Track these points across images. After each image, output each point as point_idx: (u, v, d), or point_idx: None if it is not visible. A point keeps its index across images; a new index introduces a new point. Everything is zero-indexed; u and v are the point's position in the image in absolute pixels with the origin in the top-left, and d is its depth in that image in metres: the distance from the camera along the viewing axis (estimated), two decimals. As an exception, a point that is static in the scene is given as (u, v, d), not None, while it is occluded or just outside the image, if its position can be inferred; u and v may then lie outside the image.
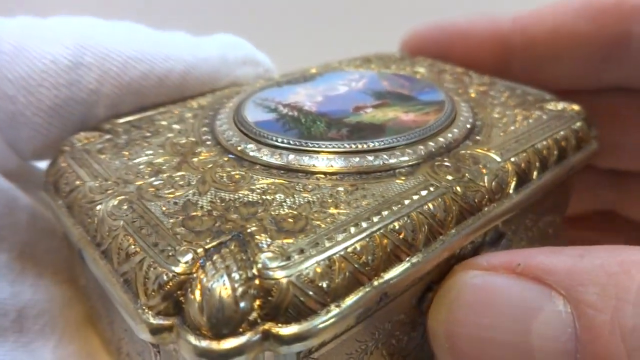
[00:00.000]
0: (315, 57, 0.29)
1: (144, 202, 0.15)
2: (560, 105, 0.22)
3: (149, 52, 0.21)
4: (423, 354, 0.18)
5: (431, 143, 0.18)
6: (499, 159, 0.18)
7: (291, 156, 0.17)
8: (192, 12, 0.51)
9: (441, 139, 0.19)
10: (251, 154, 0.18)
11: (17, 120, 0.19)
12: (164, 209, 0.15)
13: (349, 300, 0.13)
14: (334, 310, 0.13)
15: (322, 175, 0.17)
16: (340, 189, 0.16)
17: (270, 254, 0.13)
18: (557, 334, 0.14)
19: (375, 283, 0.14)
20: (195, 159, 0.18)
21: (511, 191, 0.18)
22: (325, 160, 0.17)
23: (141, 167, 0.17)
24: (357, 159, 0.17)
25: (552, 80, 0.26)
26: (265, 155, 0.17)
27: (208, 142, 0.19)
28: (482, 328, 0.15)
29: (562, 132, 0.20)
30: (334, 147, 0.17)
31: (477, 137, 0.19)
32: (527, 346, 0.14)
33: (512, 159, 0.18)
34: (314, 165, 0.17)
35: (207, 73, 0.23)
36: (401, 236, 0.15)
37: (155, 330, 0.13)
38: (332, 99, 0.21)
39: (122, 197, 0.16)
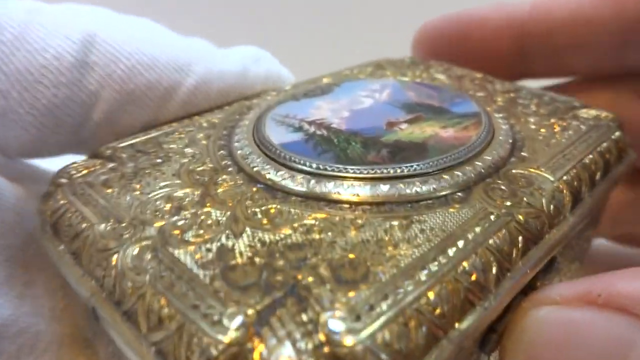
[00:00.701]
0: (321, 60, 0.27)
1: (170, 249, 0.13)
2: (593, 113, 0.21)
3: (161, 59, 0.18)
4: None
5: (479, 163, 0.17)
6: (552, 179, 0.17)
7: (330, 184, 0.15)
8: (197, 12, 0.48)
9: (488, 158, 0.17)
10: (283, 182, 0.15)
11: (6, 116, 0.17)
12: (196, 257, 0.13)
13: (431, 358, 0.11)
14: None
15: (368, 207, 0.15)
16: (395, 223, 0.14)
17: (337, 313, 0.11)
18: None
19: (452, 336, 0.12)
20: (219, 190, 0.15)
21: (567, 213, 0.16)
22: (369, 189, 0.15)
23: (158, 202, 0.15)
24: (404, 186, 0.15)
25: (573, 68, 0.25)
26: (301, 185, 0.15)
27: (229, 169, 0.17)
28: None
29: (604, 144, 0.19)
30: (376, 173, 0.16)
31: (523, 154, 0.18)
32: None
33: (565, 178, 0.17)
34: (357, 195, 0.15)
35: (220, 90, 0.20)
36: (473, 278, 0.13)
37: None
38: (359, 113, 0.19)
39: (143, 243, 0.13)
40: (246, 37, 0.24)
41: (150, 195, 0.15)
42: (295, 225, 0.14)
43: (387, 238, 0.13)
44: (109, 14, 0.19)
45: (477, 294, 0.13)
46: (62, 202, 0.15)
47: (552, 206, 0.16)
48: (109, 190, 0.15)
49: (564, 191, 0.16)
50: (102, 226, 0.14)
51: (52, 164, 0.19)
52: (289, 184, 0.15)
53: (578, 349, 0.13)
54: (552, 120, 0.20)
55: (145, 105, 0.19)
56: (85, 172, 0.17)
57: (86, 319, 0.16)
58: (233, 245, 0.13)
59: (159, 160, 0.17)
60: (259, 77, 0.22)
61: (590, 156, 0.18)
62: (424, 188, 0.15)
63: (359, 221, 0.14)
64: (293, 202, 0.15)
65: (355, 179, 0.15)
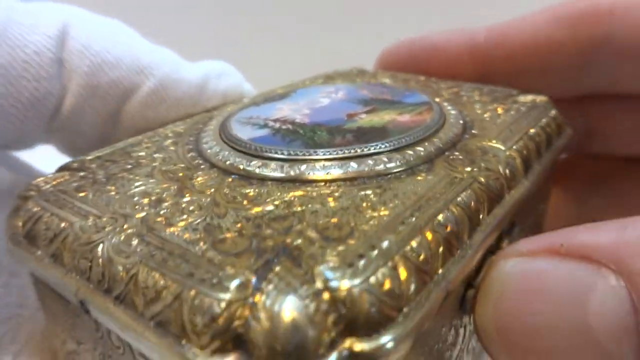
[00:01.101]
0: (279, 75, 0.28)
1: (156, 233, 0.13)
2: (529, 97, 0.23)
3: (125, 60, 0.19)
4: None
5: (436, 139, 0.18)
6: (503, 148, 0.18)
7: (303, 167, 0.16)
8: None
9: (444, 135, 0.18)
10: (257, 170, 0.16)
11: None
12: (184, 236, 0.13)
13: (422, 301, 0.12)
14: (412, 313, 0.12)
15: (342, 182, 0.15)
16: (368, 192, 0.15)
17: (331, 264, 0.11)
18: (615, 310, 0.13)
19: (437, 280, 0.13)
20: (195, 182, 0.16)
21: (522, 178, 0.18)
22: (340, 168, 0.16)
23: (136, 198, 0.15)
24: (373, 162, 0.16)
25: (534, 90, 0.25)
26: (275, 170, 0.16)
27: (202, 166, 0.17)
28: (535, 316, 0.14)
29: (544, 120, 0.21)
30: (345, 153, 0.16)
31: (474, 131, 0.19)
32: (585, 327, 0.13)
33: (514, 147, 0.18)
34: (329, 174, 0.16)
35: (176, 97, 0.21)
36: (448, 229, 0.14)
37: None
38: (320, 110, 0.20)
39: (128, 231, 0.13)
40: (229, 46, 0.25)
41: (127, 194, 0.15)
42: (277, 202, 0.14)
43: (364, 204, 0.14)
44: (82, 12, 0.20)
45: (454, 244, 0.14)
46: (34, 209, 0.15)
47: (507, 170, 0.17)
48: (83, 194, 0.15)
49: (516, 158, 0.18)
50: (82, 223, 0.14)
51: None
52: (264, 170, 0.16)
53: (542, 296, 0.14)
54: (495, 105, 0.22)
55: (106, 102, 0.20)
56: (54, 183, 0.16)
57: (68, 330, 0.16)
58: (219, 223, 0.13)
59: (129, 166, 0.17)
60: (217, 91, 0.23)
61: (533, 130, 0.20)
62: (391, 164, 0.16)
63: (336, 194, 0.15)
64: (270, 186, 0.15)
65: (327, 159, 0.16)
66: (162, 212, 0.14)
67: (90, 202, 0.15)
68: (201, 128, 0.20)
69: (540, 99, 0.23)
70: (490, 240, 0.15)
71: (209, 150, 0.18)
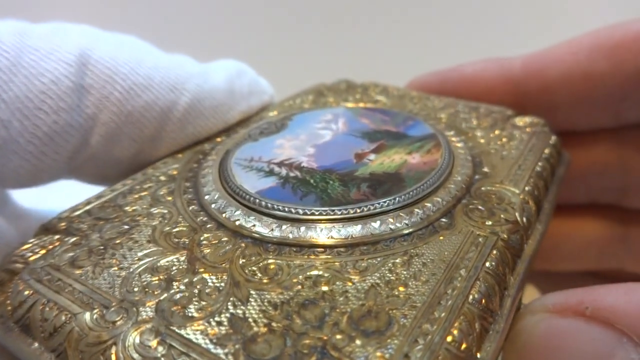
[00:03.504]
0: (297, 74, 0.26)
1: (175, 329, 0.12)
2: (527, 120, 0.23)
3: (155, 79, 0.18)
4: None
5: (451, 185, 0.17)
6: (517, 191, 0.18)
7: (320, 229, 0.15)
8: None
9: (458, 178, 0.18)
10: (272, 234, 0.15)
11: (6, 147, 0.16)
12: (210, 333, 0.12)
13: None
14: None
15: (364, 247, 0.15)
16: (397, 260, 0.14)
17: None
18: None
19: None
20: (206, 252, 0.14)
21: (536, 223, 0.17)
22: (360, 228, 0.15)
23: (143, 277, 0.14)
24: (393, 220, 0.15)
25: (571, 123, 0.24)
26: (291, 233, 0.15)
27: (208, 225, 0.16)
28: None
29: (547, 150, 0.21)
30: (364, 211, 0.15)
31: (484, 169, 0.19)
32: None
33: (526, 189, 0.18)
34: (351, 237, 0.15)
35: (212, 107, 0.20)
36: (483, 303, 0.13)
37: None
38: (324, 148, 0.19)
39: (142, 327, 0.12)
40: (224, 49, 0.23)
41: (131, 270, 0.14)
42: (300, 278, 0.13)
43: (394, 278, 0.13)
44: (97, 32, 0.18)
45: (488, 319, 0.13)
46: (26, 292, 0.13)
47: (524, 218, 0.17)
48: (81, 271, 0.14)
49: (529, 202, 0.17)
50: (87, 316, 0.12)
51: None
52: (278, 234, 0.15)
53: (564, 354, 0.14)
54: (497, 132, 0.22)
55: (143, 126, 0.18)
56: (43, 252, 0.15)
57: None
58: (244, 313, 0.12)
59: (126, 227, 0.16)
60: (243, 91, 0.22)
61: (540, 163, 0.20)
62: (412, 220, 0.15)
63: (362, 264, 0.14)
64: (288, 254, 0.14)
65: (344, 220, 0.15)
66: (176, 297, 0.13)
67: (91, 283, 0.13)
68: (197, 169, 0.19)
69: (537, 120, 0.23)
70: (516, 301, 0.15)
71: (213, 205, 0.16)
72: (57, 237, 0.15)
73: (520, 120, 0.23)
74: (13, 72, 0.15)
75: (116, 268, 0.14)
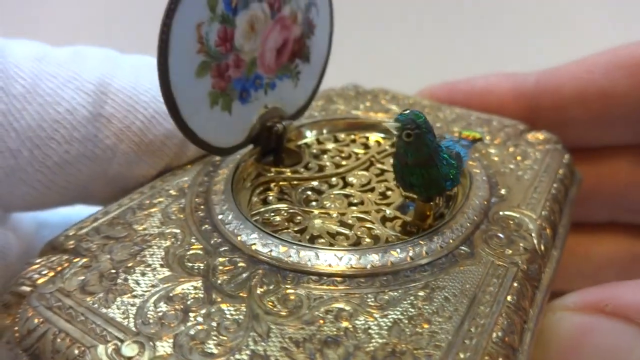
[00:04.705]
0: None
1: None
2: (540, 136, 0.23)
3: None
4: None
5: (470, 211, 0.17)
6: (534, 216, 0.17)
7: (339, 255, 0.15)
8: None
9: (476, 202, 0.17)
10: (289, 260, 0.14)
11: (14, 175, 0.15)
12: None
13: None
14: None
15: (384, 277, 0.14)
16: (420, 294, 0.14)
17: None
18: None
19: None
20: (223, 279, 0.14)
21: (552, 248, 0.17)
22: (382, 258, 0.15)
23: (158, 306, 0.13)
24: (412, 248, 0.15)
25: (585, 141, 0.23)
26: (310, 260, 0.14)
27: (222, 248, 0.15)
28: None
29: (561, 171, 0.21)
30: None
31: (501, 192, 0.19)
32: None
33: (543, 213, 0.18)
34: (371, 266, 0.14)
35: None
36: (506, 341, 0.13)
37: None
38: None
39: None
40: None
41: (145, 297, 0.13)
42: (321, 311, 0.13)
43: (417, 313, 0.13)
44: (117, 57, 0.17)
45: (510, 357, 0.13)
46: (36, 320, 0.13)
47: (542, 246, 0.16)
48: (93, 298, 0.13)
49: (546, 228, 0.17)
50: (101, 349, 0.12)
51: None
52: (295, 260, 0.14)
53: (585, 350, 0.14)
54: (511, 150, 0.21)
55: (162, 154, 0.17)
56: (51, 274, 0.14)
57: None
58: (265, 351, 0.12)
59: (137, 248, 0.15)
60: None
61: (555, 185, 0.19)
62: (431, 247, 0.15)
63: (384, 297, 0.14)
64: (307, 283, 0.14)
65: (363, 246, 0.15)
66: (193, 332, 0.12)
67: (104, 312, 0.13)
68: (208, 183, 0.18)
69: (549, 137, 0.23)
70: (535, 333, 0.15)
71: (227, 227, 0.16)
72: (65, 257, 0.15)
73: (533, 137, 0.23)
74: (28, 100, 0.15)
75: (129, 295, 0.13)
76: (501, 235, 0.16)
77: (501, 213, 0.17)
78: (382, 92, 0.26)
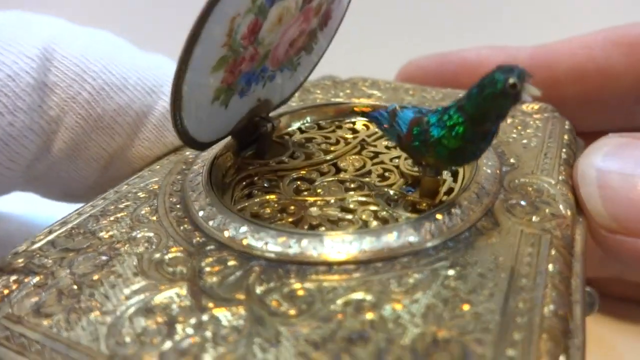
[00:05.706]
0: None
1: None
2: (536, 105, 0.21)
3: (130, 79, 0.15)
4: None
5: (484, 181, 0.15)
6: (553, 181, 0.16)
7: (349, 238, 0.12)
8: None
9: (488, 172, 0.15)
10: (290, 251, 0.12)
11: None
12: None
13: None
14: None
15: (404, 258, 0.12)
16: (450, 272, 0.12)
17: None
18: None
19: None
20: (212, 281, 0.11)
21: (576, 213, 0.15)
22: (398, 237, 0.12)
23: (137, 321, 0.10)
24: (430, 223, 0.13)
25: (574, 121, 0.22)
26: (315, 249, 0.12)
27: (208, 247, 0.13)
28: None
29: (566, 136, 0.19)
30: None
31: (511, 160, 0.17)
32: None
33: (560, 178, 0.16)
34: (389, 248, 0.12)
35: None
36: (560, 314, 0.11)
37: None
38: None
39: None
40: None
41: (118, 313, 0.11)
42: (338, 305, 0.11)
43: (451, 295, 0.11)
44: (67, 25, 0.15)
45: (567, 333, 0.11)
46: None
47: (568, 211, 0.15)
48: (50, 321, 0.11)
49: (568, 193, 0.15)
50: None
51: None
52: (297, 250, 0.12)
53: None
54: (509, 121, 0.20)
55: (114, 132, 0.16)
56: None
57: None
58: (277, 359, 0.09)
59: (104, 258, 0.12)
60: None
61: (564, 150, 0.18)
62: (452, 220, 0.13)
63: (409, 280, 0.11)
64: (313, 276, 0.12)
65: (374, 226, 0.13)
66: (185, 345, 0.10)
67: (66, 336, 0.10)
68: (182, 182, 0.16)
69: (546, 106, 0.21)
70: (585, 310, 0.13)
71: (210, 223, 0.13)
72: (13, 278, 0.12)
73: (528, 107, 0.21)
74: None
75: (98, 313, 0.11)
76: (523, 202, 0.14)
77: (517, 181, 0.16)
78: (361, 80, 0.25)
